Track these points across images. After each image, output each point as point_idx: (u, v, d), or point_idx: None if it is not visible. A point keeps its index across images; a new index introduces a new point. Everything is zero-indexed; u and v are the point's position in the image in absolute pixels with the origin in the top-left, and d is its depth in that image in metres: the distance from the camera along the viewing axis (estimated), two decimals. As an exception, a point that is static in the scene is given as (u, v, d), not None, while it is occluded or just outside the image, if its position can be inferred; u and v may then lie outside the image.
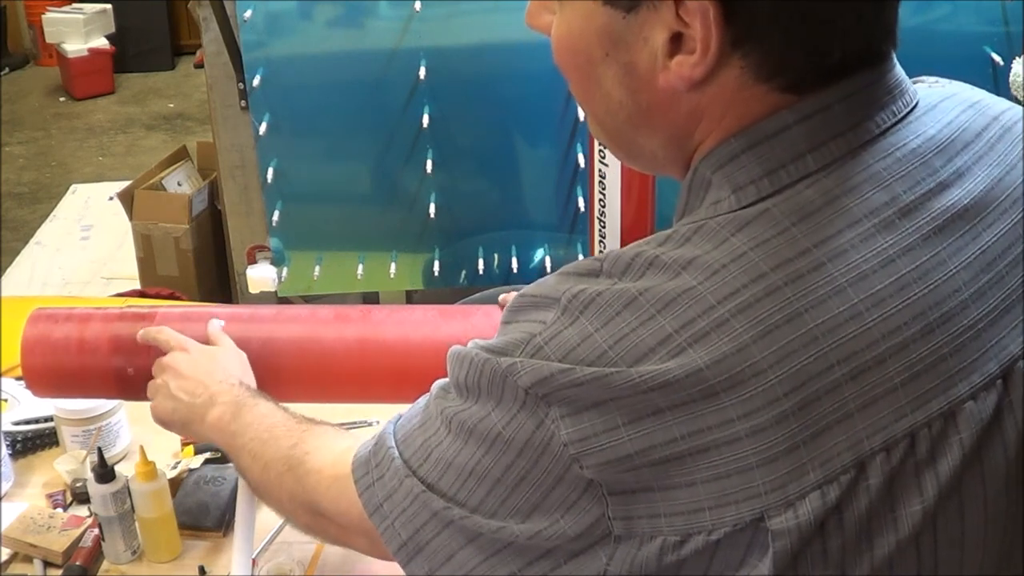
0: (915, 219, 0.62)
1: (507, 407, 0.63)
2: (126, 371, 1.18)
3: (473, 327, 1.17)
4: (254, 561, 1.29)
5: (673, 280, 0.60)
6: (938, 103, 0.69)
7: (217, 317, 1.21)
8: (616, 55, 0.66)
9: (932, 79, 0.75)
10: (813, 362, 0.58)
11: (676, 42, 0.63)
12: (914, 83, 0.72)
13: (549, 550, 0.63)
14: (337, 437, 0.90)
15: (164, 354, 1.14)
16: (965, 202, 0.64)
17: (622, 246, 1.89)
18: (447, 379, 0.70)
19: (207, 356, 1.11)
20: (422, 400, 0.73)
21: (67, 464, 1.49)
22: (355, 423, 1.62)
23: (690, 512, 0.59)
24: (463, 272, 2.34)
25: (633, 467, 0.59)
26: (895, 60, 0.66)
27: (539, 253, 2.33)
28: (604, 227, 1.82)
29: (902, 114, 0.65)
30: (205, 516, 1.40)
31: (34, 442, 1.58)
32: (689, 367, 0.58)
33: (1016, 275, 0.64)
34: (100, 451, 1.35)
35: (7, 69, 6.18)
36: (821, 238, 0.60)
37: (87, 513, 1.41)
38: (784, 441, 0.58)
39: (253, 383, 1.10)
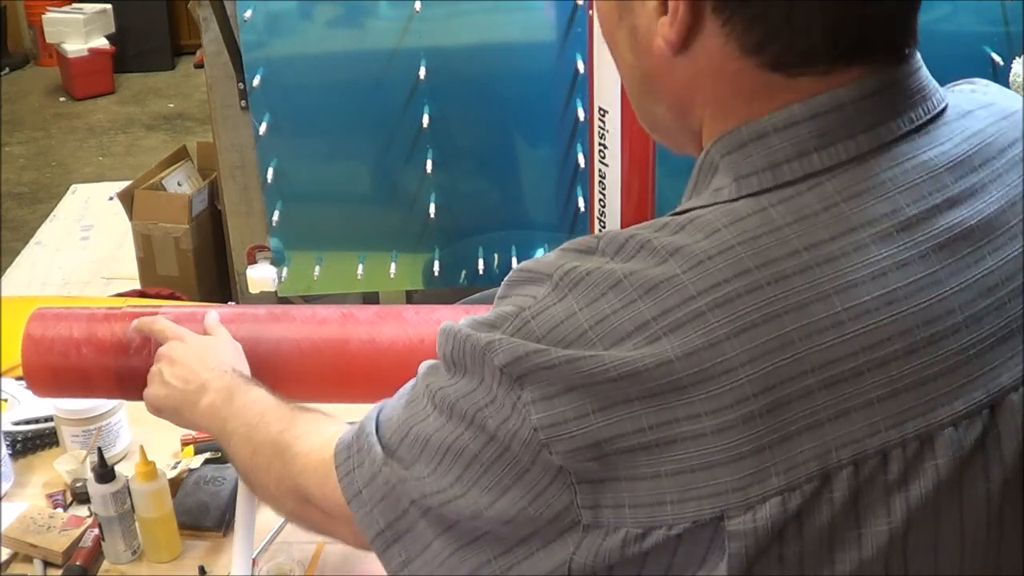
0: (915, 234, 0.61)
1: (488, 385, 0.62)
2: (128, 363, 1.18)
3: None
4: (254, 561, 1.29)
5: (659, 266, 0.60)
6: (972, 111, 0.67)
7: (218, 315, 1.21)
8: (625, 19, 0.67)
9: (980, 83, 0.73)
10: (787, 365, 0.57)
11: (664, 4, 0.63)
12: (954, 87, 0.71)
13: (522, 538, 0.63)
14: (328, 423, 0.90)
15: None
16: (972, 222, 0.62)
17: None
18: (435, 358, 0.69)
19: (201, 344, 1.11)
20: (410, 382, 0.73)
21: (67, 464, 1.49)
22: (355, 423, 1.62)
23: (653, 505, 0.58)
24: (463, 272, 2.34)
25: (602, 455, 0.59)
26: (919, 63, 0.65)
27: (539, 253, 2.33)
28: (604, 227, 1.82)
29: (921, 121, 0.63)
30: (205, 516, 1.40)
31: (34, 442, 1.58)
32: (660, 357, 0.57)
33: (1017, 304, 0.62)
34: (100, 451, 1.35)
35: (7, 69, 6.18)
36: (813, 242, 0.59)
37: (87, 513, 1.41)
38: (750, 442, 0.57)
39: (247, 371, 1.10)
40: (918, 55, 0.65)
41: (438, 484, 0.65)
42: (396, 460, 0.68)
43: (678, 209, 0.65)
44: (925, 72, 0.65)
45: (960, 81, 0.73)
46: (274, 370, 1.16)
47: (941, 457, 0.59)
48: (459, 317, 0.67)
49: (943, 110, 0.65)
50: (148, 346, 1.18)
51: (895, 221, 0.61)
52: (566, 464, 0.60)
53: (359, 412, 1.64)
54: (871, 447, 0.58)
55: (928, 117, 0.64)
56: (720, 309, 0.58)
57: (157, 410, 1.10)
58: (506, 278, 0.67)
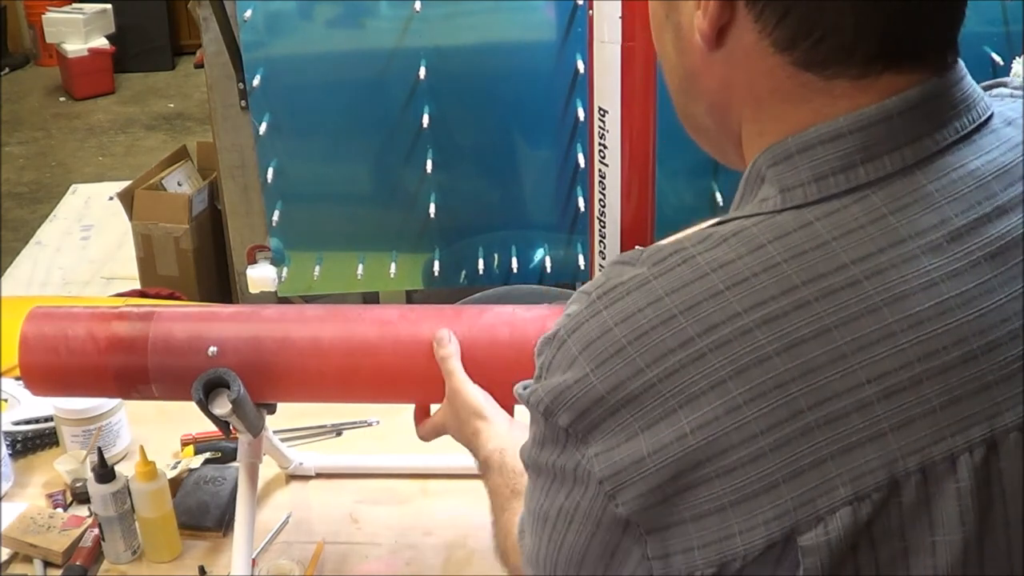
0: (965, 244, 0.60)
1: (551, 444, 0.63)
2: (125, 361, 1.18)
3: (477, 326, 1.17)
4: (254, 561, 1.29)
5: (700, 280, 0.59)
6: (1016, 119, 0.67)
7: (217, 315, 1.21)
8: (671, 16, 0.67)
9: (1014, 82, 0.73)
10: (840, 379, 0.57)
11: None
12: (993, 87, 0.70)
13: None
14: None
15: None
16: (1022, 230, 0.62)
17: (622, 246, 1.88)
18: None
19: (456, 415, 1.13)
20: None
21: (67, 464, 1.49)
22: (355, 423, 1.62)
23: (721, 540, 0.58)
24: (463, 272, 2.34)
25: (665, 497, 0.58)
26: (963, 72, 0.64)
27: (539, 253, 2.33)
28: (604, 227, 1.81)
29: (967, 130, 0.63)
30: (205, 516, 1.40)
31: (34, 442, 1.58)
32: (712, 377, 0.57)
33: None
34: (100, 451, 1.35)
35: (7, 69, 6.18)
36: (860, 255, 0.59)
37: (87, 513, 1.41)
38: (810, 454, 0.57)
39: (469, 430, 1.12)
40: (962, 64, 0.65)
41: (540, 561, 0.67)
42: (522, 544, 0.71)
43: (724, 218, 0.64)
44: (969, 80, 0.65)
45: (994, 81, 0.73)
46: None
47: (1010, 461, 0.59)
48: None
49: (989, 118, 0.65)
50: (144, 345, 1.18)
51: (944, 232, 0.60)
52: (632, 515, 0.59)
53: (360, 412, 1.64)
54: (938, 453, 0.58)
55: (974, 126, 0.64)
56: (768, 326, 0.58)
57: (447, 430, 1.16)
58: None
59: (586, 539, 0.62)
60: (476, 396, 1.10)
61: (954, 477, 0.58)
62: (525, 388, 0.65)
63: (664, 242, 0.63)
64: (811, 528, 0.57)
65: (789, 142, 0.63)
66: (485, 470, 1.04)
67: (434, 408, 1.18)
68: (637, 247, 0.64)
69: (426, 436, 1.19)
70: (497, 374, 1.12)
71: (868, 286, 0.58)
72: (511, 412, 1.15)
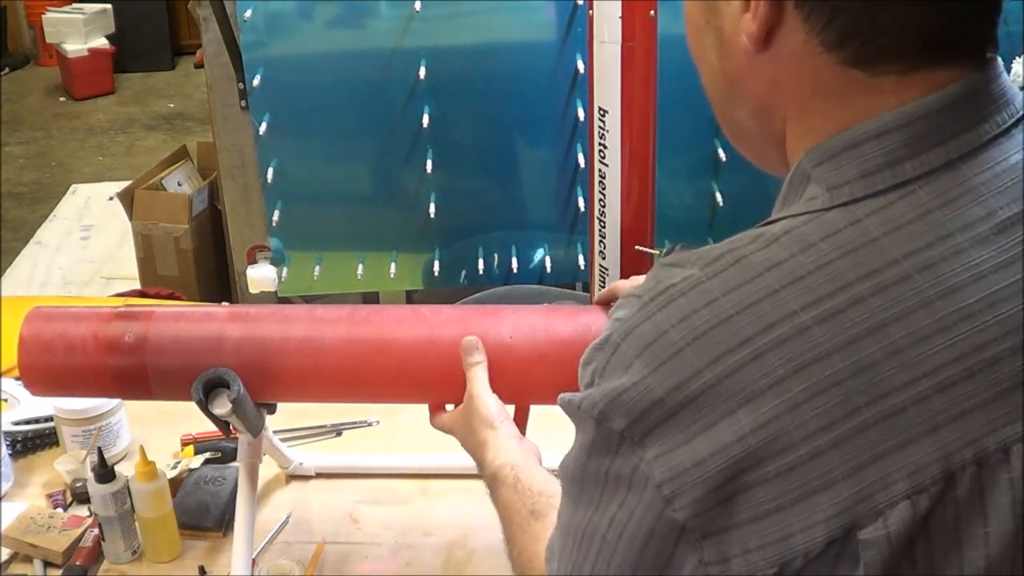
0: (1012, 236, 0.61)
1: (604, 450, 0.62)
2: (124, 361, 1.18)
3: (478, 326, 1.17)
4: (254, 561, 1.29)
5: (755, 280, 0.60)
6: None
7: (217, 315, 1.21)
8: (712, 21, 0.68)
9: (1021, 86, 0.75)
10: (896, 374, 0.58)
11: (747, 2, 0.64)
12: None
13: None
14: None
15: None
16: None
17: (622, 246, 1.88)
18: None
19: (467, 422, 1.10)
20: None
21: (67, 464, 1.49)
22: (355, 423, 1.62)
23: (781, 540, 0.58)
24: (463, 272, 2.34)
25: (724, 498, 0.58)
26: (1000, 69, 0.65)
27: (539, 253, 2.33)
28: (604, 227, 1.81)
29: (1006, 125, 0.64)
30: (205, 516, 1.40)
31: (34, 442, 1.58)
32: (771, 376, 0.58)
33: None
34: (100, 451, 1.35)
35: (7, 69, 6.18)
36: (910, 250, 0.60)
37: (87, 513, 1.41)
38: (868, 449, 0.57)
39: (476, 443, 1.09)
40: (999, 61, 0.66)
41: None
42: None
43: (771, 218, 0.65)
44: (1006, 77, 0.66)
45: None
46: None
47: None
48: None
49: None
50: (143, 344, 1.18)
51: (991, 224, 0.61)
52: (690, 520, 0.59)
53: (360, 412, 1.64)
54: (992, 444, 0.58)
55: (1012, 121, 0.65)
56: (825, 323, 0.58)
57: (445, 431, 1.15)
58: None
59: (638, 550, 0.61)
60: (491, 406, 1.09)
61: (1007, 467, 0.58)
62: (571, 397, 0.64)
63: (714, 245, 0.64)
64: (871, 522, 0.57)
65: (834, 141, 0.64)
66: (494, 483, 1.03)
67: (450, 407, 1.17)
68: (681, 252, 0.65)
69: (437, 427, 1.18)
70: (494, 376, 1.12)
71: (920, 280, 0.59)
72: (524, 423, 1.15)
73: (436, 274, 2.29)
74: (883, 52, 0.62)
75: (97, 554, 1.36)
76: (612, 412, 0.61)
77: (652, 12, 1.68)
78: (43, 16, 5.82)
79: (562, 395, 0.68)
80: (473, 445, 1.08)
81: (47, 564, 1.36)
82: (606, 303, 1.18)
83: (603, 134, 1.75)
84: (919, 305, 0.59)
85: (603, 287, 1.85)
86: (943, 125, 0.62)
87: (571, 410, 0.65)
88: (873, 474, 0.57)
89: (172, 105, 5.70)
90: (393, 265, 2.31)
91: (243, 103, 2.41)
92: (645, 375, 0.60)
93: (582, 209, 2.22)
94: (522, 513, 0.97)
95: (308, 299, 2.42)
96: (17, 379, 1.58)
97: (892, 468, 0.57)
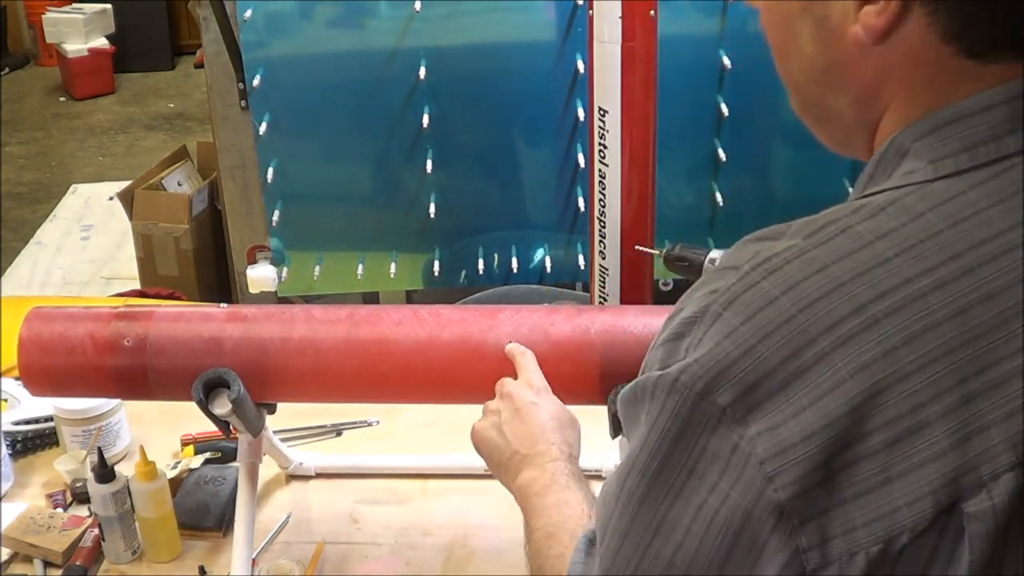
0: None
1: (697, 429, 0.60)
2: (124, 361, 1.18)
3: (478, 326, 1.17)
4: (254, 561, 1.29)
5: (866, 248, 0.60)
6: None
7: (216, 315, 1.21)
8: (812, 8, 0.68)
9: None
10: (1004, 343, 0.58)
11: None
12: None
13: None
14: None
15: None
16: None
17: (622, 246, 1.87)
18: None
19: (552, 411, 1.05)
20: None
21: (67, 464, 1.49)
22: (355, 423, 1.62)
23: (887, 515, 0.57)
24: (463, 272, 2.34)
25: (827, 475, 0.57)
26: None
27: (539, 253, 2.33)
28: (604, 227, 1.81)
29: None
30: (205, 516, 1.40)
31: (34, 442, 1.58)
32: (885, 345, 0.57)
33: None
34: (100, 451, 1.35)
35: (7, 69, 6.18)
36: (1016, 221, 0.61)
37: (87, 513, 1.41)
38: (976, 420, 0.57)
39: (578, 445, 1.04)
40: None
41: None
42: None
43: (864, 192, 0.66)
44: None
45: None
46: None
47: None
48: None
49: None
50: (143, 345, 1.18)
51: None
52: (789, 501, 0.58)
53: (360, 412, 1.64)
54: None
55: None
56: (938, 292, 0.58)
57: (479, 449, 1.06)
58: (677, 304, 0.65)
59: (730, 541, 0.59)
60: (545, 426, 1.02)
61: None
62: (656, 375, 0.61)
63: (807, 217, 0.64)
64: (975, 495, 0.57)
65: (936, 116, 0.65)
66: (546, 484, 0.96)
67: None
68: (773, 226, 0.64)
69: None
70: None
71: None
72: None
73: (436, 274, 2.29)
74: (996, 43, 0.63)
75: (97, 554, 1.36)
76: (718, 384, 0.59)
77: (652, 12, 1.68)
78: (43, 16, 5.82)
79: (634, 382, 0.64)
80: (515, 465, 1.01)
81: (47, 564, 1.36)
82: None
83: (603, 134, 1.75)
84: None
85: (603, 287, 1.85)
86: None
87: (655, 390, 0.62)
88: (979, 445, 0.57)
89: (172, 105, 5.70)
90: (393, 265, 2.31)
91: (243, 103, 2.40)
92: (755, 343, 0.59)
93: (582, 209, 2.22)
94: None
95: (308, 299, 2.42)
96: (17, 379, 1.58)
97: (997, 439, 0.57)
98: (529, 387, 1.07)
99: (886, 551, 0.57)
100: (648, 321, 1.15)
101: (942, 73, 0.64)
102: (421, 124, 2.17)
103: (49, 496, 1.48)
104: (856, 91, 0.69)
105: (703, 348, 0.60)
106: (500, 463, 1.02)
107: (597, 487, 0.78)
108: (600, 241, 1.84)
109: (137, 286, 3.15)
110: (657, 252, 1.58)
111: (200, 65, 5.47)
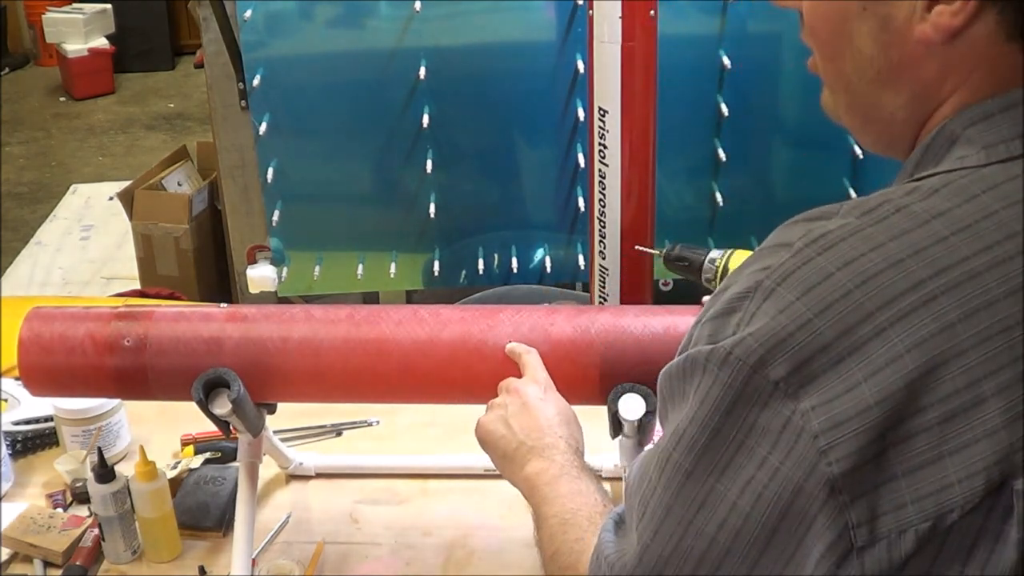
0: None
1: (748, 403, 0.60)
2: (124, 361, 1.18)
3: (478, 326, 1.17)
4: (254, 561, 1.29)
5: (923, 227, 0.60)
6: None
7: (217, 314, 1.21)
8: (874, 8, 0.68)
9: None
10: None
11: None
12: None
13: None
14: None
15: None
16: None
17: (622, 246, 1.87)
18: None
19: (556, 404, 1.05)
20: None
21: (67, 464, 1.49)
22: (355, 423, 1.62)
23: (938, 491, 0.57)
24: (463, 272, 2.34)
25: (881, 450, 0.57)
26: None
27: (539, 253, 2.33)
28: (604, 227, 1.81)
29: None
30: (205, 516, 1.40)
31: (34, 442, 1.58)
32: (942, 320, 0.58)
33: None
34: (100, 451, 1.35)
35: (7, 69, 6.18)
36: None
37: (87, 513, 1.41)
38: None
39: (582, 443, 1.04)
40: None
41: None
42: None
43: (912, 178, 0.66)
44: None
45: None
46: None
47: None
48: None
49: None
50: (143, 345, 1.18)
51: None
52: (842, 475, 0.58)
53: (360, 412, 1.64)
54: None
55: None
56: (996, 270, 0.59)
57: (484, 441, 1.05)
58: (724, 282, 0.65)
59: (778, 516, 0.59)
60: (552, 424, 1.02)
61: None
62: (708, 349, 0.61)
63: (860, 198, 0.64)
64: (1023, 473, 0.57)
65: (988, 104, 0.66)
66: (556, 474, 0.95)
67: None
68: (823, 206, 0.64)
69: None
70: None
71: None
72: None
73: (436, 274, 2.29)
74: None
75: (97, 554, 1.36)
76: (772, 358, 0.59)
77: (652, 12, 1.68)
78: (43, 16, 5.82)
79: (683, 355, 0.64)
80: (522, 455, 1.01)
81: (47, 564, 1.36)
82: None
83: (603, 134, 1.75)
84: None
85: (603, 287, 1.86)
86: None
87: (707, 363, 0.62)
88: None
89: (172, 105, 5.70)
90: (393, 265, 2.31)
91: (243, 103, 2.41)
92: (811, 317, 0.59)
93: (582, 209, 2.22)
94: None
95: (308, 299, 2.42)
96: (17, 379, 1.58)
97: None
98: (535, 383, 1.07)
99: (935, 528, 0.57)
100: (648, 321, 1.15)
101: (1005, 70, 0.65)
102: (421, 124, 2.17)
103: (49, 496, 1.48)
104: (915, 90, 0.69)
105: (757, 323, 0.60)
106: (506, 454, 1.02)
107: (597, 487, 0.78)
108: (600, 241, 1.84)
109: (137, 286, 3.15)
110: (657, 252, 1.58)
111: (200, 65, 5.47)
